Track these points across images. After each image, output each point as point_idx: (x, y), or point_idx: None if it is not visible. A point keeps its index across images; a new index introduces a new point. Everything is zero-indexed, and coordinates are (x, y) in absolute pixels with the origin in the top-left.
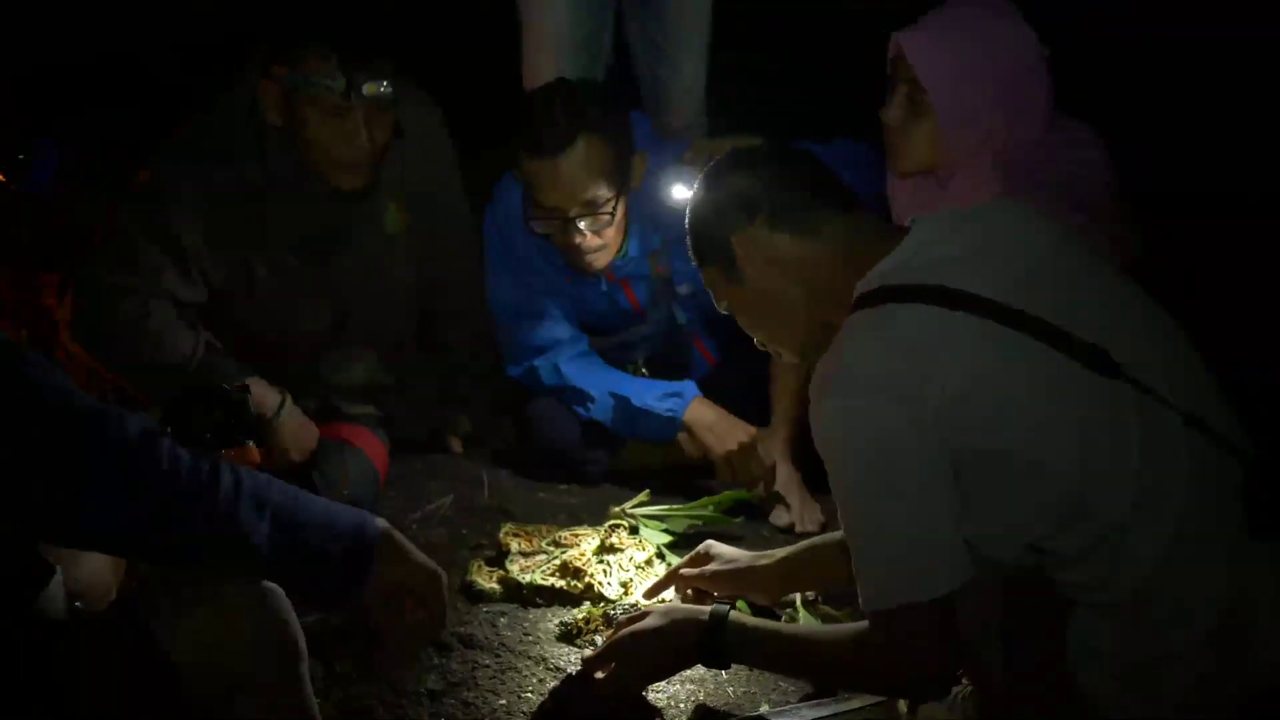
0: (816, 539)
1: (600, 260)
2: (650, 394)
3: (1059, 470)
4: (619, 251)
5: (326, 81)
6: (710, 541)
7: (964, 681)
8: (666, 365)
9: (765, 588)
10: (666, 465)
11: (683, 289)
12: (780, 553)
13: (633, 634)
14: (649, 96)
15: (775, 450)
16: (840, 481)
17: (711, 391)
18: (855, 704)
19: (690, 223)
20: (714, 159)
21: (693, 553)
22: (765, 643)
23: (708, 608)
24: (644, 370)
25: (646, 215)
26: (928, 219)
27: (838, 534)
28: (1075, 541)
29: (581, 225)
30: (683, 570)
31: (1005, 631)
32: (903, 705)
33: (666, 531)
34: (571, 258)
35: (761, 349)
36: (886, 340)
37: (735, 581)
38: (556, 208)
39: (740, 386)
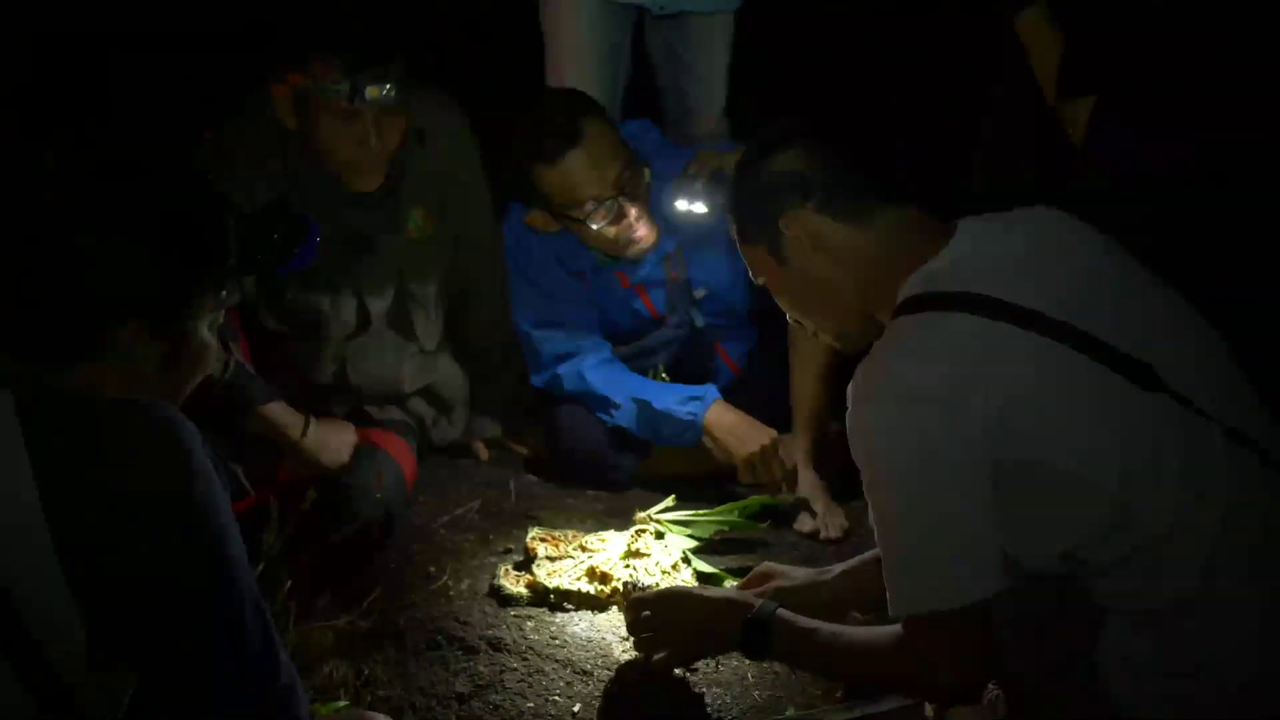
0: (872, 553)
1: (650, 236)
2: (672, 397)
3: (1100, 483)
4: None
5: (332, 86)
6: (768, 564)
7: (994, 684)
8: (689, 371)
9: (827, 605)
10: (693, 471)
11: (699, 293)
12: (839, 568)
13: (687, 593)
14: (672, 107)
15: (797, 455)
16: (876, 487)
17: (735, 398)
18: (880, 708)
19: (737, 197)
20: (721, 171)
21: (751, 574)
22: (802, 642)
23: (760, 599)
24: (664, 376)
25: (660, 221)
26: (974, 222)
27: None
28: (1114, 552)
29: (627, 199)
30: (744, 592)
31: (1036, 638)
32: (930, 709)
33: (692, 536)
34: (623, 243)
35: (795, 325)
36: (931, 350)
37: (797, 600)
38: (599, 195)
39: (763, 393)
